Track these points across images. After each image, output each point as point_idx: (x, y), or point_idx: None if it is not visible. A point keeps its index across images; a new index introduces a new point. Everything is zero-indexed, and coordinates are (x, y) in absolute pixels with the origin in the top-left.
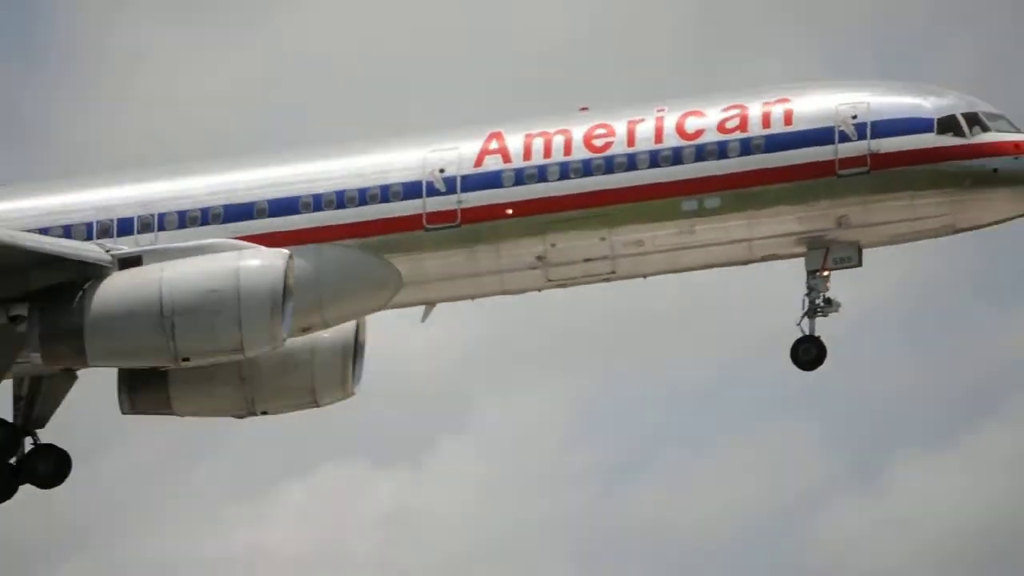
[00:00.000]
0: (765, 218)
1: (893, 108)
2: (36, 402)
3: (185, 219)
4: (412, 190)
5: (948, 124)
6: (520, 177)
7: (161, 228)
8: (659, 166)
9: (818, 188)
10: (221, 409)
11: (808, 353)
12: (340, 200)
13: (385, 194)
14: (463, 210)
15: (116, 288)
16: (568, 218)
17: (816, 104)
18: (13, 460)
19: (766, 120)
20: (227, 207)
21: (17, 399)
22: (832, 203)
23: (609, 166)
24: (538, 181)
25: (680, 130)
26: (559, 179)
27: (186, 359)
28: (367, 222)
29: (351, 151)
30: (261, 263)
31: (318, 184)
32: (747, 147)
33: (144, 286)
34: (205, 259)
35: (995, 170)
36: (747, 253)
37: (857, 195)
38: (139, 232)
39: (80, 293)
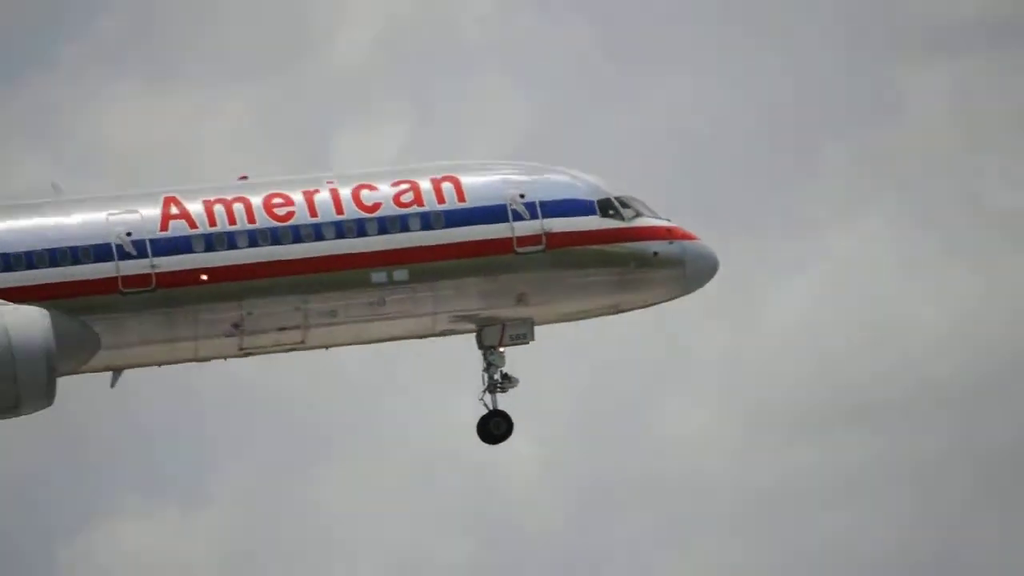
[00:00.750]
0: (450, 292)
1: (554, 189)
2: None
3: None
4: (102, 252)
5: (606, 206)
6: (210, 243)
7: None
8: (345, 237)
9: (499, 264)
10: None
11: (499, 427)
12: (30, 261)
13: (75, 255)
14: (157, 275)
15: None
16: (265, 286)
17: (484, 181)
18: None
19: (439, 195)
20: None
21: None
22: (512, 279)
23: (297, 235)
24: (228, 247)
25: (358, 202)
26: (249, 246)
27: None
28: (61, 283)
29: (36, 212)
30: (28, 319)
31: (7, 244)
32: (427, 221)
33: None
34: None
35: (655, 253)
36: (431, 327)
37: (535, 272)
38: None
39: None
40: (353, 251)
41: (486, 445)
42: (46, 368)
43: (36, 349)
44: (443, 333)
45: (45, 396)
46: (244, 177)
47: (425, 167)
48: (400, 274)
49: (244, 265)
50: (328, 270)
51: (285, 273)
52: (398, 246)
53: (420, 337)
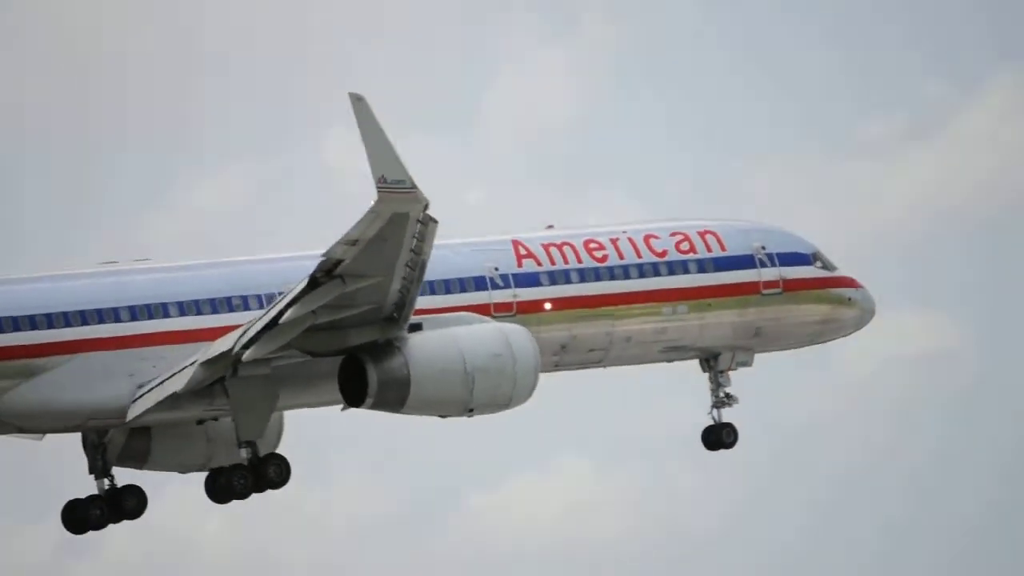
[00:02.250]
0: (712, 322)
1: (784, 242)
2: (106, 450)
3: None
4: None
5: (815, 258)
6: (553, 278)
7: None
8: (644, 277)
9: (749, 302)
10: (185, 465)
11: (730, 436)
12: (446, 287)
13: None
14: (518, 303)
15: (429, 348)
16: (588, 315)
17: (736, 234)
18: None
19: (707, 245)
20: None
21: (94, 447)
22: (755, 314)
23: (611, 274)
24: (565, 283)
25: (650, 249)
26: (580, 281)
27: (471, 410)
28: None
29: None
30: (521, 331)
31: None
32: (701, 266)
33: (449, 347)
34: (480, 327)
35: (849, 298)
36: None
37: (772, 309)
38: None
39: (396, 351)
40: (650, 288)
41: (709, 451)
42: (535, 372)
43: (530, 356)
44: (672, 359)
45: (529, 395)
46: (551, 227)
47: (689, 223)
48: (682, 308)
49: (576, 297)
50: (632, 303)
51: (603, 304)
52: (683, 285)
53: (664, 361)
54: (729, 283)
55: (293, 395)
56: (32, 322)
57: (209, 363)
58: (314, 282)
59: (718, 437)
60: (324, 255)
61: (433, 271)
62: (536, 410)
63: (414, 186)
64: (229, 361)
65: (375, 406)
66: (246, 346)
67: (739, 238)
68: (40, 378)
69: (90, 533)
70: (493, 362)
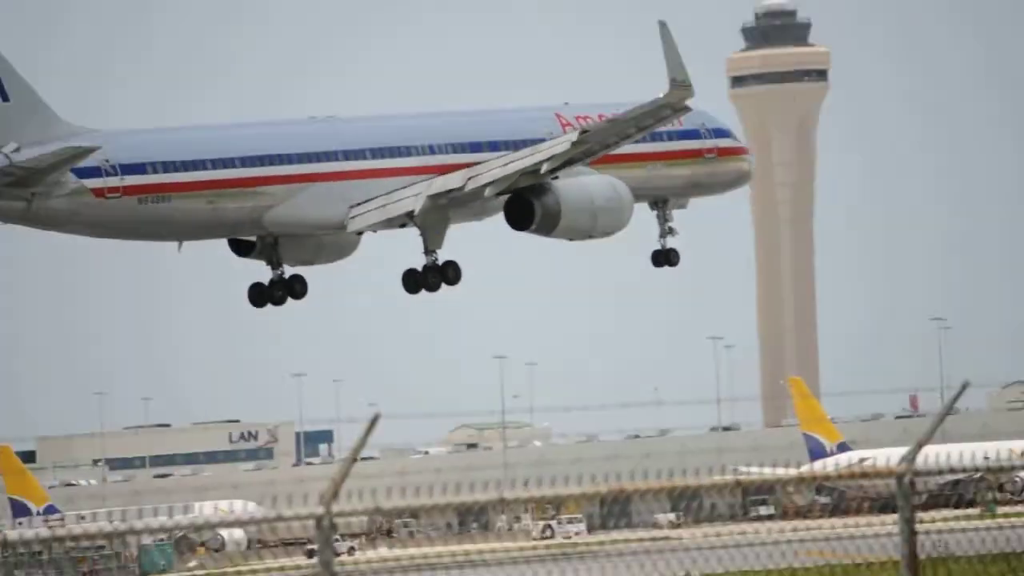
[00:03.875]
0: (674, 174)
1: (716, 122)
2: (277, 251)
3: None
4: None
5: (731, 134)
6: None
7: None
8: (640, 143)
9: (697, 162)
10: (302, 260)
11: (676, 256)
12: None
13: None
14: None
15: (571, 192)
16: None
17: (689, 116)
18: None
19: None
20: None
21: (271, 247)
22: (698, 172)
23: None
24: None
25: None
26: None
27: (591, 236)
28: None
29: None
30: (619, 181)
31: None
32: (670, 136)
33: (583, 191)
34: (597, 178)
35: (749, 161)
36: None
37: (708, 169)
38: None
39: (550, 192)
40: (643, 151)
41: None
42: (632, 208)
43: (629, 197)
44: (641, 199)
45: (625, 226)
46: (567, 103)
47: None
48: (659, 165)
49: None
50: (635, 161)
51: (622, 161)
52: (660, 150)
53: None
54: (686, 149)
55: (460, 218)
56: (258, 160)
57: (436, 195)
58: (576, 143)
59: (666, 258)
60: (594, 131)
61: (516, 131)
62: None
63: (690, 86)
64: (454, 193)
65: (535, 231)
66: (483, 185)
67: (690, 118)
68: (290, 200)
69: (269, 307)
70: (609, 203)
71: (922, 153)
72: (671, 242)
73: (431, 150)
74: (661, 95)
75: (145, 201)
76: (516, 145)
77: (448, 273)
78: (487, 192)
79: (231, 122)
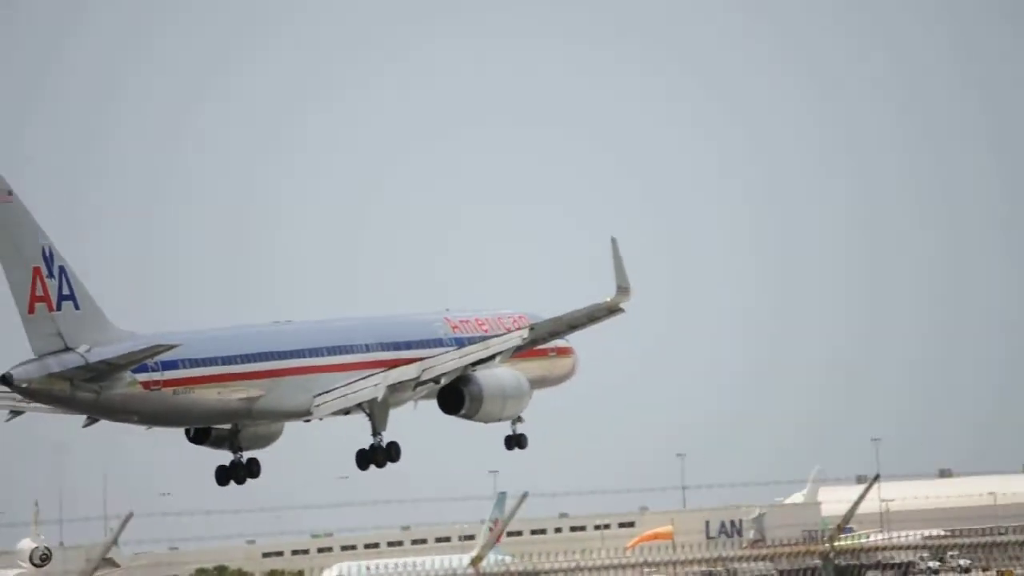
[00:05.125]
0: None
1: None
2: (237, 438)
3: None
4: None
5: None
6: (469, 341)
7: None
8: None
9: (544, 359)
10: (249, 447)
11: (524, 442)
12: None
13: None
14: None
15: (489, 381)
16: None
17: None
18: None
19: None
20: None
21: (233, 434)
22: (547, 365)
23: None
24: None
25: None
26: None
27: (500, 420)
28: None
29: None
30: (520, 373)
31: None
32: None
33: (498, 382)
34: (506, 370)
35: (574, 362)
36: None
37: (550, 363)
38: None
39: (475, 382)
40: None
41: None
42: (530, 396)
43: (528, 387)
44: None
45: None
46: (448, 309)
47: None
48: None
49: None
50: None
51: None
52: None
53: None
54: (538, 348)
55: (397, 402)
56: (254, 358)
57: (393, 385)
58: (528, 342)
59: (517, 442)
60: (540, 327)
61: (422, 332)
62: None
63: (629, 290)
64: (411, 384)
65: (464, 415)
66: (435, 378)
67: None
68: (271, 392)
69: (232, 484)
70: (516, 392)
71: None
72: (520, 428)
73: (367, 348)
74: (608, 299)
75: (178, 393)
76: (423, 344)
77: (392, 451)
78: (443, 380)
79: (237, 324)
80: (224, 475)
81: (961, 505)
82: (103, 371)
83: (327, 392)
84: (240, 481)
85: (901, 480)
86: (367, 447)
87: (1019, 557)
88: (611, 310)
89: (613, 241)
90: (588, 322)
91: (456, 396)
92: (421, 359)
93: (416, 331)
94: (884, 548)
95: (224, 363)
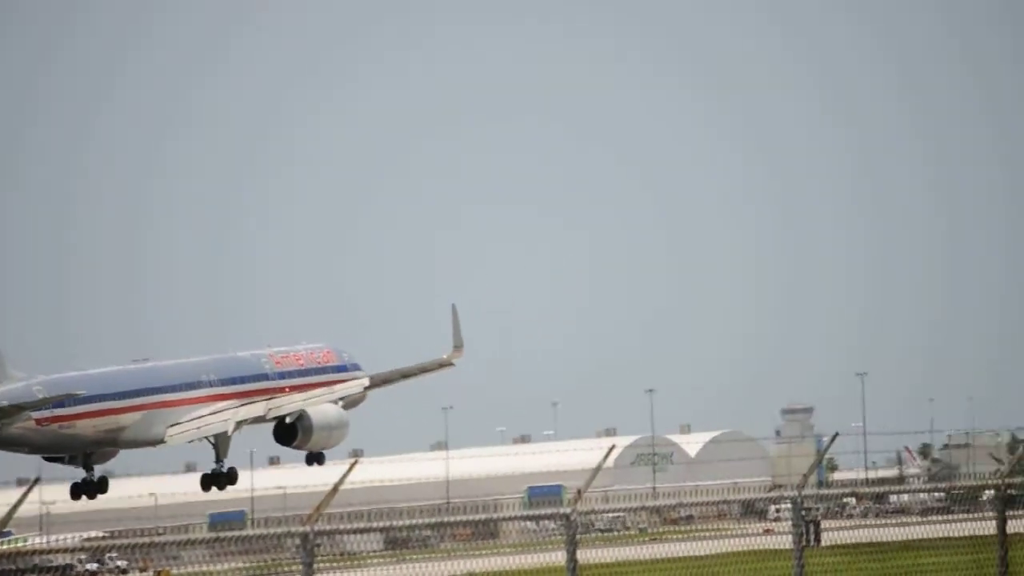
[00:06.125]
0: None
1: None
2: (90, 459)
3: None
4: None
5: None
6: (288, 376)
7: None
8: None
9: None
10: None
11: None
12: None
13: None
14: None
15: (318, 416)
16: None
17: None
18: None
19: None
20: None
21: (86, 456)
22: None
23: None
24: (294, 377)
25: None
26: (298, 377)
27: (325, 449)
28: None
29: None
30: (342, 409)
31: None
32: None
33: (325, 416)
34: (331, 406)
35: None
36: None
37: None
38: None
39: (307, 417)
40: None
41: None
42: (348, 428)
43: (348, 419)
44: None
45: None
46: (270, 345)
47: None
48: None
49: (289, 385)
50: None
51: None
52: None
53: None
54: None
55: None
56: (123, 395)
57: (242, 421)
58: (367, 388)
59: (317, 459)
60: (379, 377)
61: (253, 368)
62: None
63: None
64: (258, 419)
65: (296, 446)
66: (285, 415)
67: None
68: (135, 424)
69: (83, 498)
70: (339, 424)
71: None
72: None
73: (210, 384)
74: (446, 356)
75: (63, 428)
76: (255, 378)
77: (232, 476)
78: (287, 420)
79: (113, 368)
80: (77, 491)
81: (122, 507)
82: (9, 411)
83: (180, 424)
84: (91, 496)
85: (63, 482)
86: (210, 471)
87: (177, 556)
88: (442, 365)
89: (453, 307)
90: (419, 373)
91: (290, 429)
92: (253, 391)
93: (248, 367)
94: (42, 552)
95: (100, 400)
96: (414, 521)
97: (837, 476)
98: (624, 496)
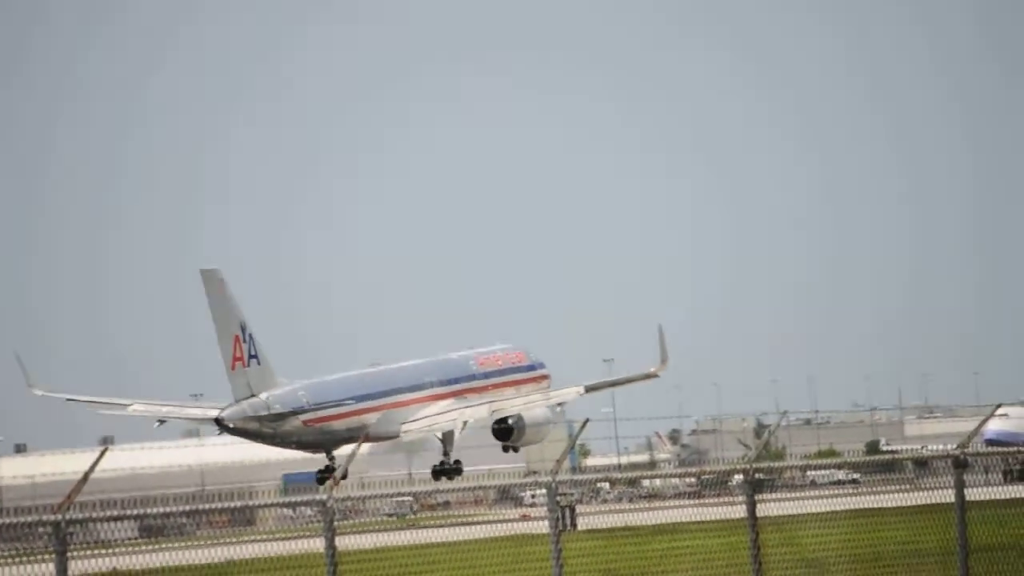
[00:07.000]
0: None
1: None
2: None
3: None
4: None
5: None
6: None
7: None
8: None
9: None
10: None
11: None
12: None
13: None
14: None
15: (531, 416)
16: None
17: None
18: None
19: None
20: None
21: (332, 444)
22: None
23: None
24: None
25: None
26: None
27: (533, 443)
28: None
29: None
30: (548, 410)
31: None
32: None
33: (535, 417)
34: (540, 408)
35: None
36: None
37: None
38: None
39: (521, 419)
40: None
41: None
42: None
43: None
44: None
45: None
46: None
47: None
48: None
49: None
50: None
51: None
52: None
53: None
54: (534, 376)
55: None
56: (364, 398)
57: (467, 421)
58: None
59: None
60: (594, 386)
61: (465, 370)
62: None
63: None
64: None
65: (512, 441)
66: (507, 416)
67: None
68: (377, 420)
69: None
70: (547, 423)
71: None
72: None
73: (431, 385)
74: (653, 368)
75: (324, 427)
76: (465, 379)
77: (459, 467)
78: (510, 421)
79: (354, 372)
80: (321, 477)
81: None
82: (285, 415)
83: (412, 421)
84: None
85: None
86: (438, 464)
87: None
88: (648, 376)
89: (660, 328)
90: (626, 383)
91: (508, 428)
92: (465, 390)
93: (460, 369)
94: None
95: (351, 402)
96: (169, 509)
97: (590, 462)
98: (380, 483)
